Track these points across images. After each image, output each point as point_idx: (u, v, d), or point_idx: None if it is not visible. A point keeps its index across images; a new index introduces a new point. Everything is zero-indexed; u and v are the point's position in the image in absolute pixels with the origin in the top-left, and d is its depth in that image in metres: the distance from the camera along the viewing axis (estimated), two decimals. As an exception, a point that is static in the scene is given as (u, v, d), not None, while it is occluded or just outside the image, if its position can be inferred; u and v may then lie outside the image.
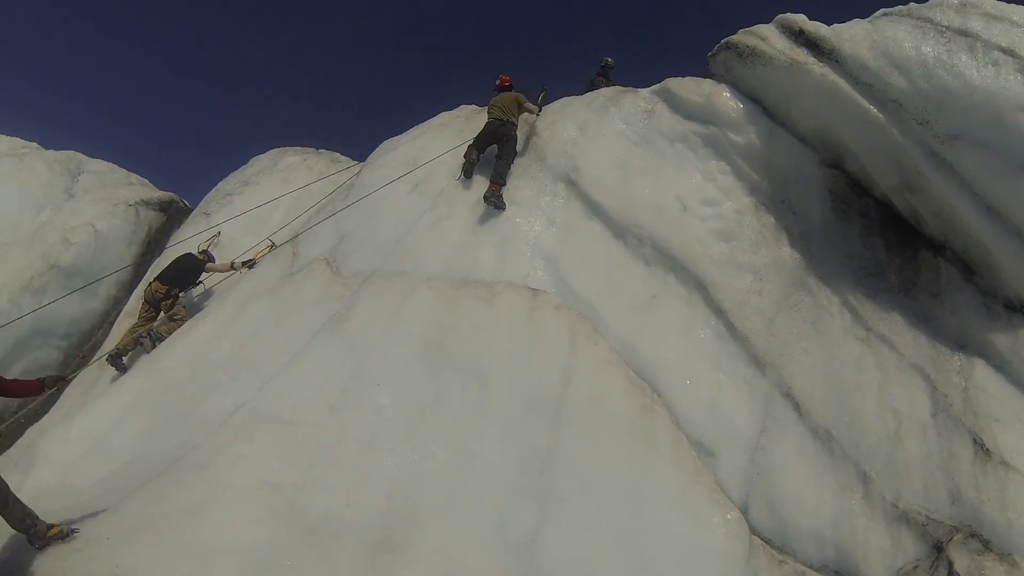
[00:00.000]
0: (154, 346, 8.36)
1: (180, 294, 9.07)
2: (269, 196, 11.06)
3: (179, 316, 8.72)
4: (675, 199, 7.43)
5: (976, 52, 6.35)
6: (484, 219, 7.45)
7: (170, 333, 8.31)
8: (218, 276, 9.56)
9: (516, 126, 8.41)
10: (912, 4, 7.24)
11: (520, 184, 7.82)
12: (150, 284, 9.02)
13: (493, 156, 8.14)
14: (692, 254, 7.02)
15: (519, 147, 8.38)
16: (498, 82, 9.17)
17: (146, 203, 13.17)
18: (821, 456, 5.87)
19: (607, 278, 6.98)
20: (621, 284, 6.95)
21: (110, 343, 9.78)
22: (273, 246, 9.17)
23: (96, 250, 11.75)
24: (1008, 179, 6.20)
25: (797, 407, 6.13)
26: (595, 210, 7.47)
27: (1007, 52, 6.30)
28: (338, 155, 13.68)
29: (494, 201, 7.54)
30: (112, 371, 8.28)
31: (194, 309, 9.17)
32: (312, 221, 8.74)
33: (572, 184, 7.69)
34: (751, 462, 5.88)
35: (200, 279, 9.59)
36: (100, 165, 14.67)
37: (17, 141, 14.40)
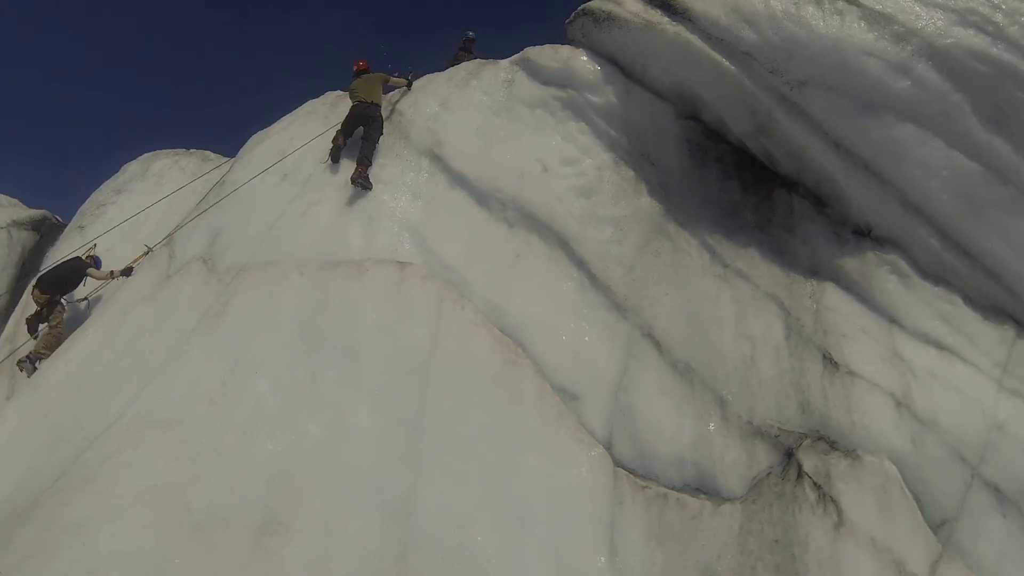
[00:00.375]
0: (35, 368, 8.46)
1: (62, 300, 9.13)
2: (143, 202, 10.85)
3: (55, 323, 8.75)
4: (536, 162, 7.84)
5: (822, 3, 6.98)
6: (352, 201, 7.74)
7: (49, 347, 8.40)
8: (102, 282, 9.64)
9: (380, 106, 8.75)
10: (761, -38, 7.85)
11: (386, 163, 8.15)
12: (33, 292, 9.06)
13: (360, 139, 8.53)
14: (553, 212, 7.42)
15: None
16: (356, 68, 9.48)
17: (17, 223, 12.99)
18: (681, 387, 6.29)
19: (471, 244, 7.33)
20: (485, 248, 7.30)
21: None
22: (149, 251, 9.33)
23: None
24: (854, 118, 6.83)
25: (658, 345, 6.55)
26: (459, 180, 7.84)
27: (850, 2, 6.96)
28: (209, 153, 13.72)
29: (361, 182, 7.84)
30: None
31: (80, 317, 9.31)
32: (185, 221, 8.98)
33: (436, 158, 8.05)
34: (614, 401, 6.26)
35: (83, 284, 9.56)
36: None
37: None
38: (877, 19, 6.84)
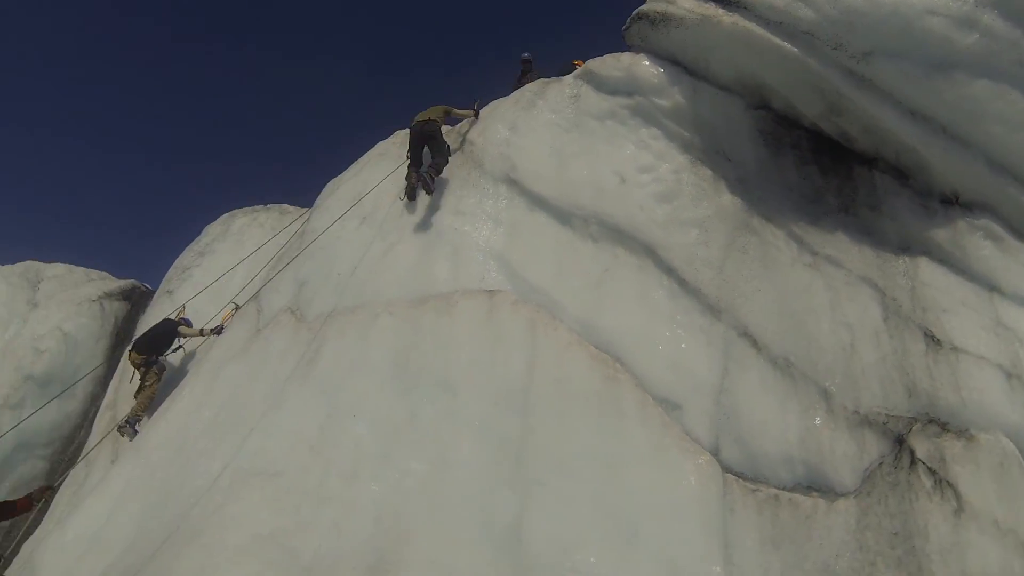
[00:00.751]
0: (135, 431, 9.35)
1: (158, 359, 10.11)
2: (226, 261, 12.00)
3: (150, 383, 9.78)
4: (613, 174, 8.18)
5: None
6: (433, 236, 8.26)
7: (144, 408, 9.38)
8: (195, 341, 10.55)
9: (438, 123, 9.39)
10: (809, -66, 7.97)
11: (463, 193, 8.65)
12: (129, 355, 10.09)
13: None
14: (636, 222, 7.74)
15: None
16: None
17: (109, 295, 14.13)
18: (782, 383, 6.48)
19: (559, 264, 7.73)
20: (572, 266, 7.69)
21: (94, 440, 10.58)
22: (237, 308, 10.24)
23: (67, 353, 12.63)
24: (925, 82, 6.80)
25: (755, 343, 6.78)
26: (538, 202, 8.26)
27: None
28: (287, 206, 14.68)
29: (426, 184, 8.60)
30: (99, 465, 9.12)
31: (179, 374, 10.23)
32: (270, 274, 9.79)
33: (512, 183, 8.50)
34: (717, 405, 6.54)
35: (177, 344, 10.52)
36: (58, 269, 15.67)
37: None
38: (936, -27, 6.78)
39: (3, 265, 15.61)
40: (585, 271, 7.65)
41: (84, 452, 10.59)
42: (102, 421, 11.01)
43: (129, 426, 9.54)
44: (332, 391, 7.03)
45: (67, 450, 12.30)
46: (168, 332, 10.42)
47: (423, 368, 7.02)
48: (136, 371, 10.12)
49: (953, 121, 6.86)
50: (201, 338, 10.33)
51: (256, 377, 7.79)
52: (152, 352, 10.08)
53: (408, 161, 9.27)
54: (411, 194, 8.93)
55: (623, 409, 6.59)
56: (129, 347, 10.42)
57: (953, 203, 7.00)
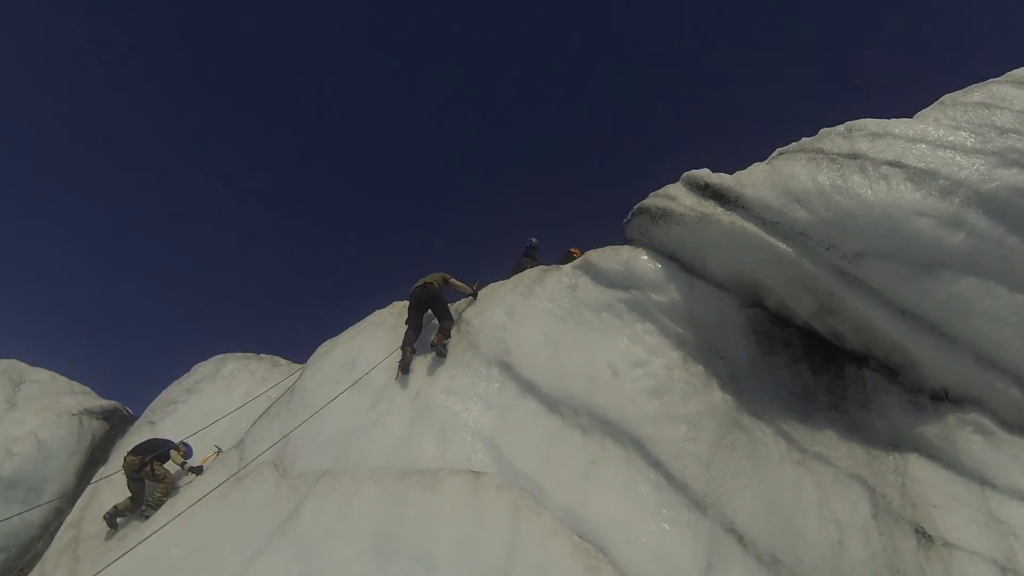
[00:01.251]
0: (155, 512, 9.64)
1: (154, 462, 10.40)
2: (213, 403, 12.45)
3: (161, 473, 10.16)
4: (606, 366, 8.58)
5: (867, 171, 7.72)
6: (424, 411, 8.56)
7: (165, 494, 9.79)
8: (175, 470, 10.85)
9: (439, 287, 10.19)
10: (804, 139, 8.74)
11: (456, 373, 9.04)
12: (125, 459, 10.39)
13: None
14: (626, 415, 8.04)
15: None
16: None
17: (89, 412, 14.32)
18: (768, 580, 6.61)
19: (547, 451, 7.96)
20: (560, 455, 7.91)
21: (51, 555, 10.61)
22: (219, 452, 10.57)
23: (39, 460, 12.74)
24: (915, 281, 7.32)
25: (741, 539, 6.87)
26: (530, 388, 8.62)
27: (894, 164, 7.67)
28: (278, 359, 15.20)
29: (439, 349, 9.21)
30: None
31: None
32: (257, 423, 10.12)
33: (506, 367, 8.90)
34: (701, 600, 6.64)
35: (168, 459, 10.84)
36: (42, 374, 16.04)
37: None
38: (922, 177, 7.45)
39: None
40: (573, 460, 7.86)
41: (40, 563, 10.64)
42: (63, 537, 10.95)
43: (151, 508, 9.92)
44: (309, 552, 7.10)
45: (21, 558, 12.19)
46: (162, 447, 10.83)
47: (403, 540, 7.10)
48: (132, 479, 10.45)
49: (942, 318, 7.29)
50: (181, 470, 10.71)
51: (231, 525, 7.88)
52: (147, 453, 10.54)
53: (407, 326, 9.93)
54: (405, 368, 9.42)
55: (604, 600, 6.63)
56: (125, 457, 10.70)
57: (942, 399, 7.30)
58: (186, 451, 11.16)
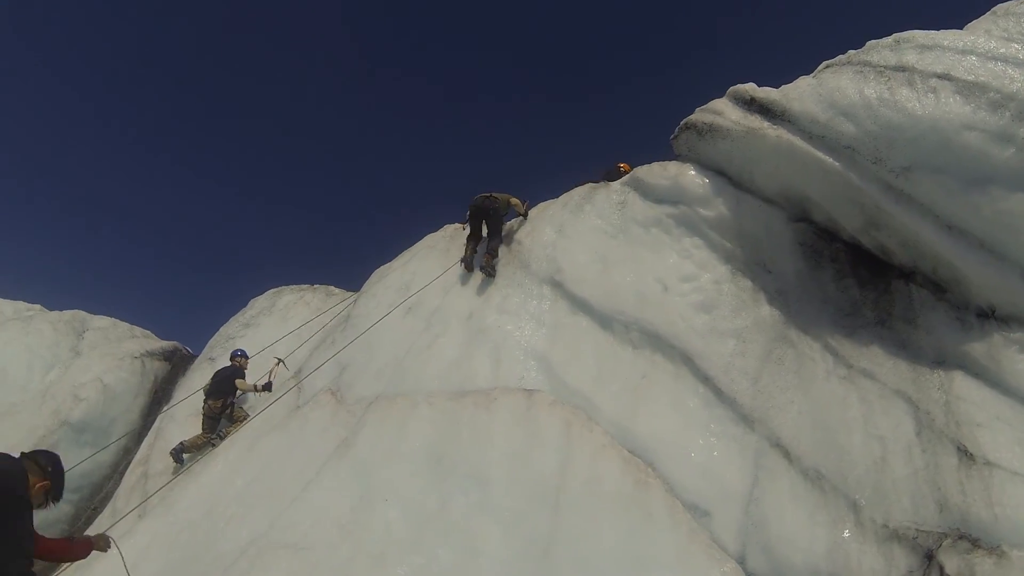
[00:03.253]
0: (222, 442, 10.15)
1: (232, 401, 11.02)
2: (271, 335, 12.86)
3: (240, 416, 10.75)
4: (655, 281, 8.69)
5: (915, 84, 7.47)
6: (477, 333, 8.80)
7: (237, 429, 10.16)
8: (283, 373, 11.44)
9: (499, 200, 10.30)
10: (850, 52, 8.48)
11: (508, 292, 9.22)
12: (206, 402, 10.98)
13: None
14: (676, 330, 8.17)
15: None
16: None
17: (150, 354, 15.01)
18: (812, 495, 6.70)
19: (598, 368, 8.18)
20: (611, 371, 8.13)
21: (122, 492, 11.25)
22: (280, 362, 11.05)
23: (105, 404, 13.41)
24: (963, 196, 7.14)
25: (787, 454, 7.04)
26: (581, 305, 8.77)
27: (943, 77, 7.39)
28: (332, 288, 15.56)
29: (487, 270, 9.45)
30: (127, 521, 9.39)
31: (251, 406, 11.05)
32: (313, 354, 10.47)
33: (557, 285, 9.04)
34: (745, 514, 6.80)
35: (239, 393, 11.46)
36: (103, 321, 16.86)
37: (22, 304, 16.78)
38: (972, 90, 7.18)
39: (51, 311, 16.84)
40: (623, 376, 8.06)
41: (112, 501, 11.28)
42: (132, 475, 11.55)
43: (220, 439, 10.48)
44: (367, 474, 7.44)
45: (94, 498, 12.88)
46: (230, 378, 11.39)
47: (458, 460, 7.42)
48: (209, 418, 11.05)
49: (990, 235, 7.14)
50: (252, 391, 11.22)
51: (292, 452, 8.29)
52: (224, 395, 11.11)
53: (467, 232, 10.24)
54: (468, 265, 9.80)
55: (652, 513, 6.86)
56: (204, 398, 11.27)
57: (989, 317, 7.21)
58: (245, 361, 11.74)
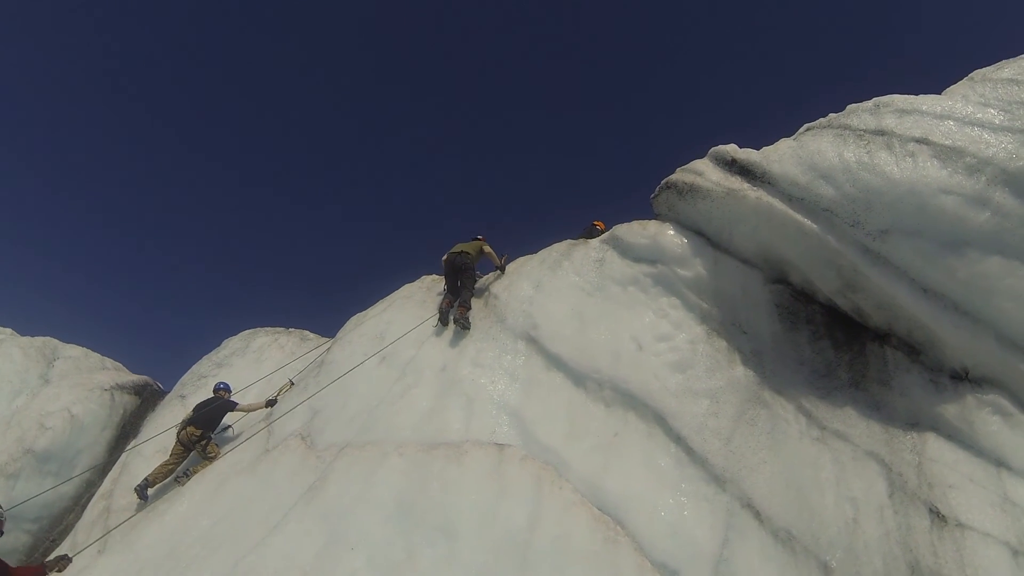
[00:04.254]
0: (189, 480, 9.88)
1: (211, 435, 10.71)
2: (243, 377, 12.66)
3: (213, 454, 10.36)
4: (631, 340, 8.62)
5: (894, 147, 7.61)
6: (450, 385, 8.68)
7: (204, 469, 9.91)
8: (250, 416, 11.17)
9: (472, 256, 10.40)
10: (831, 115, 8.65)
11: (483, 346, 9.14)
12: (186, 428, 10.65)
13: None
14: (650, 389, 8.08)
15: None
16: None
17: (121, 387, 14.69)
18: (783, 556, 6.57)
19: (570, 424, 8.05)
20: (583, 428, 7.99)
21: (83, 526, 10.90)
22: (292, 384, 11.00)
23: (71, 434, 13.09)
24: (939, 259, 7.22)
25: (758, 515, 6.91)
26: (555, 362, 8.69)
27: (921, 141, 7.54)
28: (307, 333, 15.39)
29: (462, 323, 9.39)
30: (86, 551, 9.18)
31: (224, 446, 10.72)
32: (286, 398, 10.36)
33: (532, 340, 8.98)
34: (715, 574, 6.61)
35: (226, 424, 11.23)
36: (75, 350, 16.54)
37: None
38: (949, 154, 7.32)
39: (22, 336, 16.58)
40: (595, 433, 7.94)
41: (72, 534, 10.98)
42: (94, 509, 11.24)
43: (186, 477, 10.16)
44: (334, 521, 7.24)
45: (53, 529, 12.54)
46: (221, 408, 11.13)
47: (427, 511, 7.23)
48: (183, 447, 10.71)
49: (965, 297, 7.20)
50: (259, 410, 11.05)
51: (259, 495, 8.11)
52: (209, 428, 10.80)
53: (445, 289, 10.28)
54: (444, 318, 9.77)
55: (621, 571, 6.65)
56: (184, 424, 10.93)
57: (963, 379, 7.24)
58: (228, 395, 11.60)
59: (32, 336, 16.74)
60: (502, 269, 10.76)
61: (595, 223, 11.99)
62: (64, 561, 7.09)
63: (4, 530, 7.45)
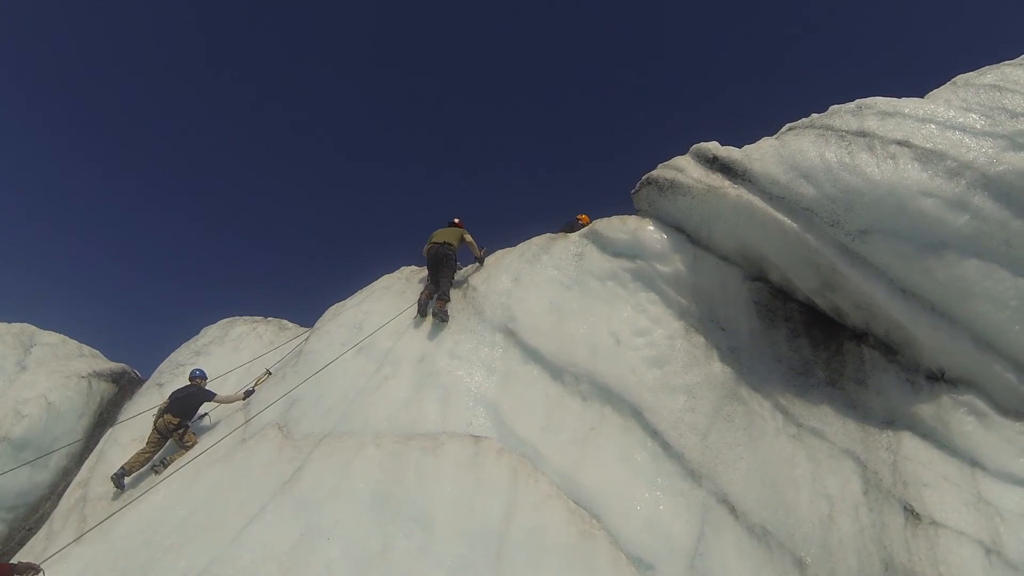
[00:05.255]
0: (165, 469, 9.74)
1: (188, 424, 10.54)
2: (221, 365, 12.51)
3: (190, 443, 10.21)
4: (609, 334, 8.63)
5: (875, 149, 7.68)
6: (427, 376, 8.62)
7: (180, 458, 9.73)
8: (228, 407, 10.93)
9: (453, 247, 10.38)
10: (813, 115, 8.73)
11: (461, 338, 9.09)
12: (163, 415, 10.48)
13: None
14: (627, 384, 8.10)
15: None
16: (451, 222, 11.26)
17: (98, 375, 14.47)
18: (758, 551, 6.61)
19: (546, 418, 8.02)
20: (560, 421, 7.98)
21: (59, 514, 10.62)
22: (268, 373, 10.86)
23: (48, 422, 12.92)
24: (917, 261, 7.30)
25: (733, 510, 6.94)
26: (533, 355, 8.66)
27: (902, 144, 7.62)
28: (286, 322, 15.25)
29: (440, 315, 9.33)
30: (61, 540, 9.10)
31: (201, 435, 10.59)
32: (263, 387, 10.26)
33: (510, 333, 8.93)
34: (690, 569, 6.62)
35: (203, 412, 11.00)
36: (52, 337, 16.29)
37: None
38: (929, 157, 7.40)
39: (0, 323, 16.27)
40: (572, 427, 7.92)
41: (48, 523, 10.66)
42: (71, 497, 10.95)
43: (163, 466, 9.99)
44: (310, 512, 7.18)
45: (29, 518, 12.39)
46: (198, 397, 10.94)
47: (403, 502, 7.18)
48: (160, 435, 10.55)
49: (942, 299, 7.28)
50: (238, 400, 10.80)
51: (236, 485, 7.98)
52: (186, 417, 10.63)
53: (428, 279, 10.29)
54: (423, 309, 9.73)
55: (596, 565, 6.66)
56: (161, 412, 10.75)
57: (939, 379, 7.31)
58: (204, 383, 11.39)
59: (8, 323, 16.43)
60: (481, 261, 10.70)
61: (579, 217, 11.95)
62: (33, 571, 6.95)
63: None
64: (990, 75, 8.15)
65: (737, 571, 6.55)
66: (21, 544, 10.23)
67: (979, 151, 7.33)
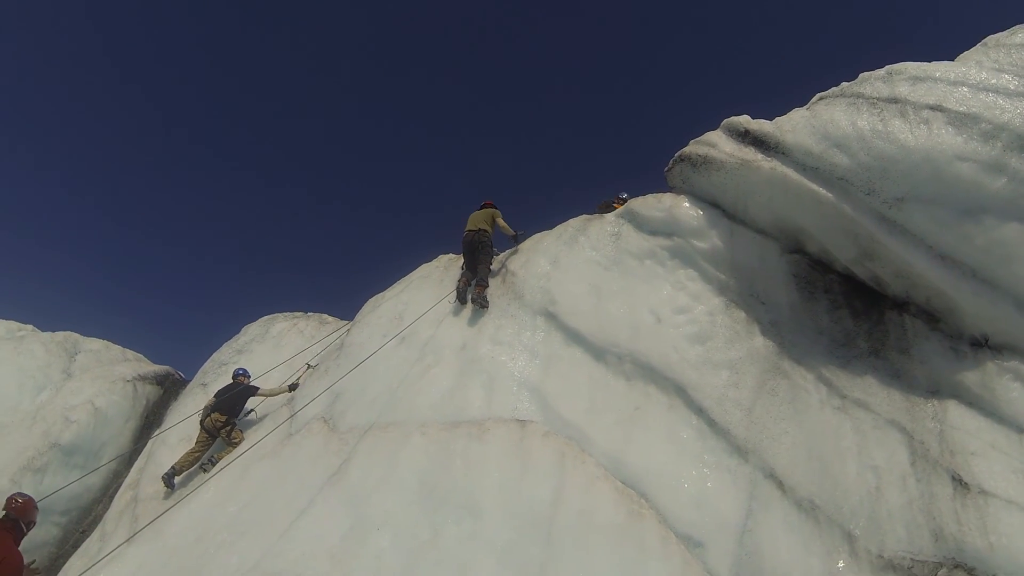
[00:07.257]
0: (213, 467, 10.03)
1: (235, 421, 10.87)
2: (263, 362, 12.75)
3: (238, 439, 10.52)
4: (649, 313, 8.68)
5: (907, 115, 7.54)
6: (470, 363, 8.74)
7: (230, 455, 10.04)
8: (275, 400, 11.25)
9: (488, 232, 10.51)
10: (844, 84, 8.57)
11: (502, 323, 9.19)
12: (210, 414, 10.80)
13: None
14: (669, 362, 8.14)
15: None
16: (483, 204, 11.32)
17: (143, 378, 14.87)
18: (806, 525, 6.64)
19: (591, 399, 8.11)
20: (605, 402, 8.06)
21: (111, 516, 11.02)
22: (309, 367, 11.11)
23: (96, 427, 13.27)
24: (955, 226, 7.16)
25: (780, 485, 6.98)
26: (574, 337, 8.74)
27: (935, 108, 7.46)
28: (326, 316, 15.44)
29: (480, 302, 9.44)
30: (114, 541, 9.39)
31: (248, 431, 10.88)
32: (307, 382, 10.47)
33: (551, 316, 9.02)
34: (739, 545, 6.70)
35: (249, 408, 11.34)
36: (96, 344, 16.74)
37: (14, 324, 16.61)
38: (963, 121, 7.24)
39: (43, 332, 16.73)
40: (616, 407, 8.00)
41: (101, 525, 11.08)
42: (122, 499, 11.36)
43: (211, 463, 10.35)
44: (358, 503, 7.33)
45: (83, 521, 12.73)
46: (243, 393, 11.25)
47: (451, 490, 7.31)
48: (208, 434, 10.86)
49: (983, 264, 7.14)
50: (282, 395, 11.12)
51: (284, 479, 8.20)
52: (232, 414, 10.96)
53: (464, 268, 10.40)
54: (462, 297, 9.89)
55: (645, 544, 6.75)
56: (207, 411, 11.05)
57: (982, 346, 7.20)
58: (246, 379, 11.65)
59: (53, 331, 16.85)
60: (516, 240, 10.77)
61: (617, 196, 11.91)
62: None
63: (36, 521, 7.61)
64: (1021, 34, 7.98)
65: (786, 546, 6.58)
66: (76, 547, 10.57)
67: (1014, 112, 7.15)
